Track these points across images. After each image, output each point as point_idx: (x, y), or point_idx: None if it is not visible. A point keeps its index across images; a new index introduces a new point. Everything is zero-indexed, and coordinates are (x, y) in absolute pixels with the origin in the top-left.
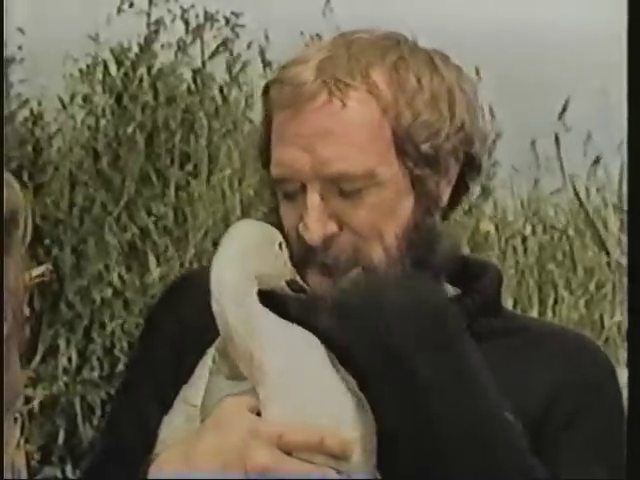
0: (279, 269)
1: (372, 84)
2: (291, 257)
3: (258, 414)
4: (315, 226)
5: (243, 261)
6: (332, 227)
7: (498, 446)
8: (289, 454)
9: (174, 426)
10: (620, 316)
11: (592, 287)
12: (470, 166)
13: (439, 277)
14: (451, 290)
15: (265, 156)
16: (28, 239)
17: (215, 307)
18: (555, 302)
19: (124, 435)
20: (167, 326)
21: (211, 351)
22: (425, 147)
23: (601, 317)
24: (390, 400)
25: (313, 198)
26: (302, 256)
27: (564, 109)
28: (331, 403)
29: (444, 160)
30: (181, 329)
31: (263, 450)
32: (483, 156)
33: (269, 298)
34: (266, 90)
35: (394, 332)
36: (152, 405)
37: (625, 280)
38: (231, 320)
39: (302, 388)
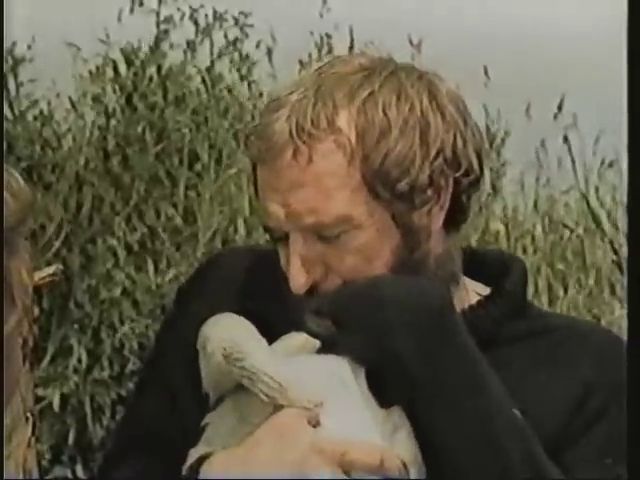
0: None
1: (337, 131)
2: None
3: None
4: (296, 275)
5: (242, 321)
6: (315, 274)
7: (506, 445)
8: (347, 472)
9: (223, 425)
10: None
11: (602, 287)
12: (463, 186)
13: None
14: (481, 289)
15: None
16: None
17: (239, 364)
18: (565, 302)
19: (153, 418)
20: (199, 308)
21: None
22: (399, 185)
23: (603, 315)
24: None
25: (294, 248)
26: (296, 301)
27: (571, 109)
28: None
29: (422, 192)
30: (213, 311)
31: (325, 468)
32: (484, 168)
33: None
34: (246, 143)
35: (396, 335)
36: (183, 385)
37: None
38: (258, 365)
39: (350, 410)
